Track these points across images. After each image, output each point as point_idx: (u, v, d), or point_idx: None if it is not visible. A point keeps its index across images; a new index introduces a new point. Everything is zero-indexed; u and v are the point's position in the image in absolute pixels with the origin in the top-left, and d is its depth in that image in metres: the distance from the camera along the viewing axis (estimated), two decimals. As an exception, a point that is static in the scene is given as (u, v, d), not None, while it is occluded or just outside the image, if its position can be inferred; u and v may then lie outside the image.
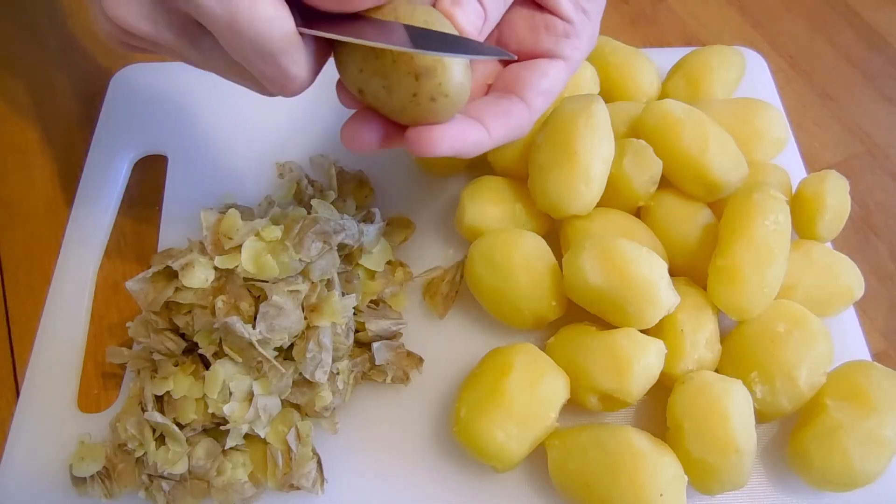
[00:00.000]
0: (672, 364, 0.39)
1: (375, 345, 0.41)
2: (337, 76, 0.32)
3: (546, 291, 0.41)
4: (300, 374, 0.38)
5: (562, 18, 0.35)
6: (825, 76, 0.60)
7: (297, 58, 0.29)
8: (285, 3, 0.28)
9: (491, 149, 0.34)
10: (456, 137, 0.32)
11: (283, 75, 0.29)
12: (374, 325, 0.42)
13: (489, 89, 0.37)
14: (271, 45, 0.28)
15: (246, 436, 0.38)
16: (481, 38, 0.32)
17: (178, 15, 0.29)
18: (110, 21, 0.29)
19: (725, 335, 0.41)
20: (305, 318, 0.39)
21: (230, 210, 0.41)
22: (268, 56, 0.28)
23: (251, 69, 0.29)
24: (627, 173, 0.43)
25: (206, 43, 0.30)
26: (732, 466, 0.35)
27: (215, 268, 0.39)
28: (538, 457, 0.39)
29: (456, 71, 0.29)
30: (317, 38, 0.30)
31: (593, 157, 0.41)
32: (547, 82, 0.35)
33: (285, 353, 0.39)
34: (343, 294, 0.41)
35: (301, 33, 0.28)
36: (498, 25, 0.35)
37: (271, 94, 0.33)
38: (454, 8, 0.30)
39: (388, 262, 0.46)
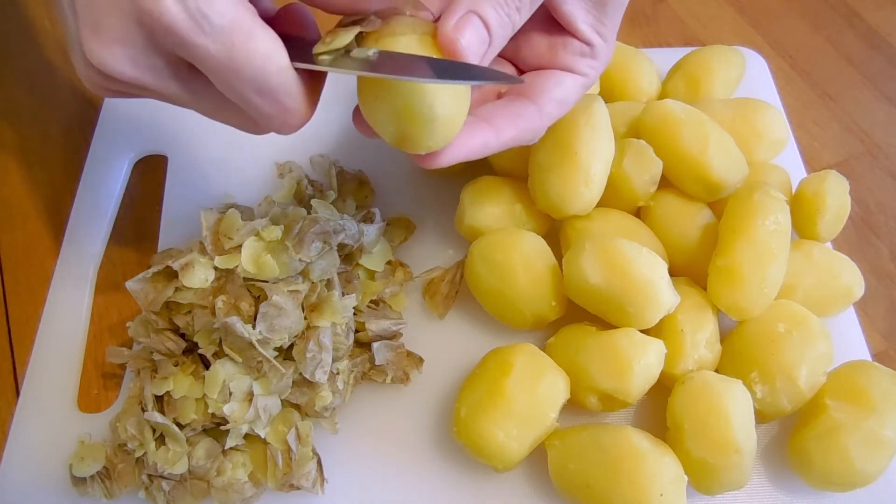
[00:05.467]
0: (672, 364, 0.39)
1: (375, 345, 0.41)
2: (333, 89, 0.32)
3: (546, 291, 0.41)
4: (300, 374, 0.38)
5: (580, 41, 0.35)
6: (825, 76, 0.60)
7: (295, 92, 0.28)
8: (279, 38, 0.27)
9: (500, 150, 0.34)
10: (460, 147, 0.32)
11: (283, 111, 0.29)
12: (374, 325, 0.42)
13: (500, 96, 0.37)
14: (270, 80, 0.27)
15: (246, 436, 0.38)
16: (486, 61, 0.31)
17: (168, 57, 0.28)
18: (93, 68, 0.28)
19: (725, 335, 0.41)
20: (305, 318, 0.39)
21: (230, 210, 0.41)
22: (267, 92, 0.28)
23: (248, 108, 0.29)
24: (627, 173, 0.43)
25: (196, 84, 0.29)
26: (732, 466, 0.35)
27: (215, 268, 0.39)
28: (538, 457, 0.39)
29: (440, 109, 0.29)
30: (311, 73, 0.29)
31: (593, 157, 0.41)
32: (561, 91, 0.36)
33: (285, 353, 0.39)
34: (343, 294, 0.41)
35: (296, 68, 0.28)
36: (516, 40, 0.34)
37: (264, 132, 0.32)
38: (455, 34, 0.29)
39: (388, 262, 0.46)
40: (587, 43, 0.35)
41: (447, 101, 0.29)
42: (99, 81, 0.29)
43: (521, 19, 0.32)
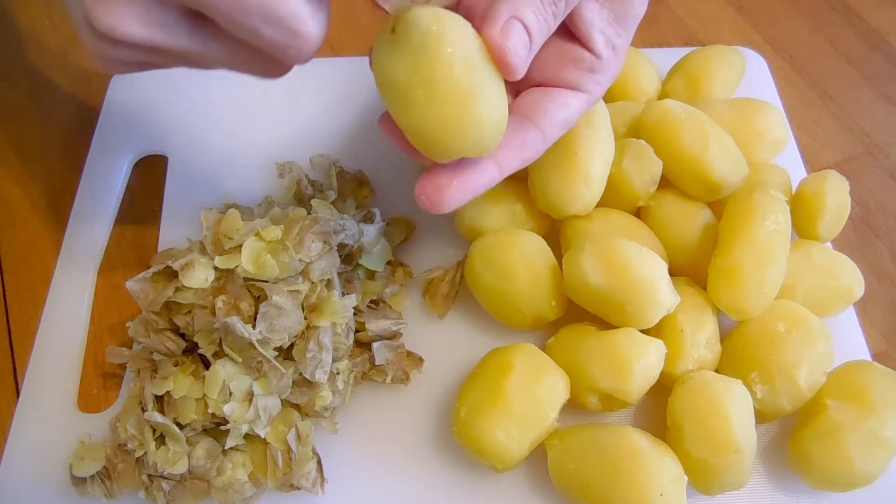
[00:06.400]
0: (672, 364, 0.39)
1: (375, 345, 0.41)
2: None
3: (546, 291, 0.41)
4: (300, 374, 0.38)
5: (592, 53, 0.35)
6: (825, 76, 0.60)
7: (304, 15, 0.28)
8: None
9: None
10: (466, 191, 0.33)
11: (295, 37, 0.28)
12: (374, 325, 0.42)
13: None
14: (278, 8, 0.27)
15: (246, 436, 0.38)
16: (525, 69, 0.31)
17: (175, 9, 0.28)
18: (100, 35, 0.28)
19: (725, 335, 0.41)
20: (305, 318, 0.39)
21: (230, 210, 0.41)
22: (276, 21, 0.28)
23: (261, 42, 0.29)
24: (627, 173, 0.43)
25: (205, 33, 0.29)
26: (732, 466, 0.35)
27: (215, 268, 0.39)
28: (538, 457, 0.39)
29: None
30: None
31: (593, 157, 0.41)
32: (565, 113, 0.35)
33: (285, 353, 0.39)
34: (343, 294, 0.41)
35: None
36: None
37: (278, 71, 0.32)
38: (504, 39, 0.30)
39: (388, 262, 0.46)
40: (598, 56, 0.35)
41: (497, 103, 0.30)
42: (110, 52, 0.30)
43: (556, 24, 0.32)
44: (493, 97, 0.30)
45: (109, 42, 0.29)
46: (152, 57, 0.31)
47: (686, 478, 0.35)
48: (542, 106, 0.35)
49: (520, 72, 0.31)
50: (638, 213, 0.45)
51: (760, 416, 0.38)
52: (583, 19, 0.34)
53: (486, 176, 0.34)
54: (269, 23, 0.28)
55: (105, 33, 0.28)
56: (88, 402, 0.43)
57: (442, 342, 0.44)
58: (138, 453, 0.38)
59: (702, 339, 0.39)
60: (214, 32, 0.29)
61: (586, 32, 0.34)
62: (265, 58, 0.31)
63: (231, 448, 0.38)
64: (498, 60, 0.30)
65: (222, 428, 0.38)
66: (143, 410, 0.38)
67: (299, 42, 0.29)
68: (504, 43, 0.30)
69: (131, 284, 0.40)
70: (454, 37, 0.29)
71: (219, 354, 0.38)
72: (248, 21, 0.27)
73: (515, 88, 0.36)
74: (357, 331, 0.42)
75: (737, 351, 0.40)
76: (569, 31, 0.35)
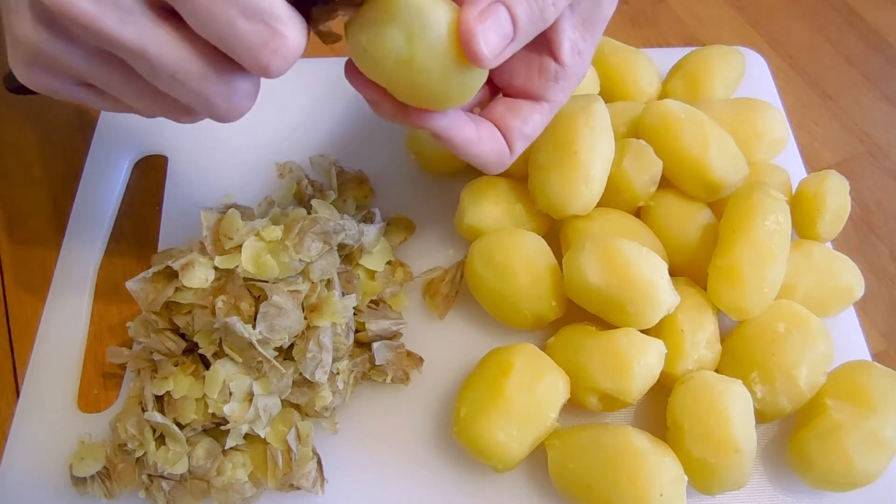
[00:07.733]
0: (672, 364, 0.39)
1: (375, 345, 0.41)
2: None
3: (546, 291, 0.41)
4: (300, 374, 0.38)
5: (557, 62, 0.35)
6: (825, 76, 0.60)
7: (285, 14, 0.26)
8: None
9: (473, 159, 0.35)
10: (453, 122, 0.33)
11: (272, 36, 0.26)
12: (374, 325, 0.42)
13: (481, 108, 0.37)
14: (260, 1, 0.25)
15: (246, 436, 0.38)
16: (496, 61, 0.29)
17: None
18: (41, 10, 0.25)
19: (725, 335, 0.41)
20: (305, 318, 0.39)
21: (230, 210, 0.41)
22: (255, 14, 0.25)
23: (231, 40, 0.26)
24: (627, 173, 0.43)
25: (165, 26, 0.26)
26: (732, 466, 0.35)
27: (215, 268, 0.39)
28: (538, 457, 0.39)
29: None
30: (295, 3, 0.27)
31: (593, 157, 0.41)
32: (529, 128, 0.36)
33: (285, 353, 0.39)
34: (343, 294, 0.41)
35: None
36: None
37: (232, 102, 0.29)
38: (476, 24, 0.28)
39: (388, 262, 0.46)
40: (563, 65, 0.35)
41: (456, 91, 0.31)
42: (44, 44, 0.26)
43: (554, 15, 0.31)
44: (450, 89, 0.30)
45: (48, 25, 0.26)
46: (94, 64, 0.27)
47: (686, 478, 0.35)
48: (507, 120, 0.36)
49: (486, 63, 0.29)
50: (638, 213, 0.45)
51: (760, 416, 0.38)
52: (554, 25, 0.33)
53: (469, 128, 0.34)
54: (247, 15, 0.25)
55: (49, 6, 0.25)
56: (88, 402, 0.43)
57: (442, 342, 0.44)
58: (138, 453, 0.38)
59: (702, 339, 0.39)
60: (176, 28, 0.26)
61: (556, 39, 0.34)
62: (225, 73, 0.28)
63: (231, 448, 0.38)
64: (464, 46, 0.28)
65: (222, 428, 0.38)
66: (143, 410, 0.38)
67: (276, 42, 0.26)
68: (475, 28, 0.28)
69: (131, 284, 0.40)
70: (418, 22, 0.27)
71: (219, 354, 0.38)
72: (224, 10, 0.25)
73: (495, 85, 0.37)
74: (357, 331, 0.42)
75: (737, 351, 0.40)
76: (537, 38, 0.33)
